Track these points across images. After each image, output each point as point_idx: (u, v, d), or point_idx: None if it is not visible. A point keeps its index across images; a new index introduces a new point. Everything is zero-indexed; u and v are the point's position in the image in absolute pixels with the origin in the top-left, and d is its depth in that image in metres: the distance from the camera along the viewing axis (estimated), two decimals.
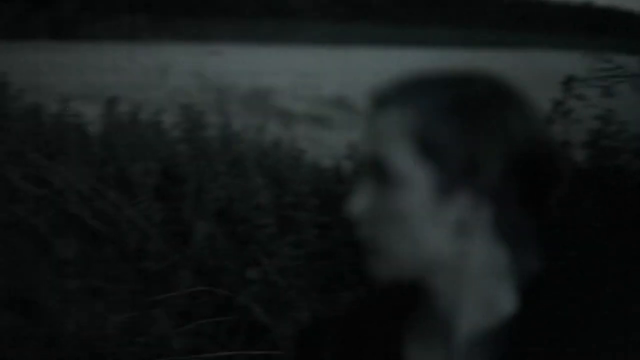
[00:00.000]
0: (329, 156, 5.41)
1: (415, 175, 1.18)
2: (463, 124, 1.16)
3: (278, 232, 4.18)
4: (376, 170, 1.20)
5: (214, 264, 4.28)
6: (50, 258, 4.42)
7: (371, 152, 1.21)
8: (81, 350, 4.01)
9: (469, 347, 1.24)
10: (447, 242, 1.19)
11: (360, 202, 1.22)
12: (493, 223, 1.20)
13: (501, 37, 56.45)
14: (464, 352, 1.24)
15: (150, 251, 4.29)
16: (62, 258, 4.40)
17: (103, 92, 6.02)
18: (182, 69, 16.25)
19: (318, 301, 3.95)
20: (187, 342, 3.80)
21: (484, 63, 1.43)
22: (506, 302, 1.23)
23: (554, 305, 1.29)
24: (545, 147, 1.20)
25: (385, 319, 1.34)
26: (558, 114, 3.64)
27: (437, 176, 1.17)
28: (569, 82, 3.70)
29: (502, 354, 1.22)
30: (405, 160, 1.18)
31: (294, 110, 15.44)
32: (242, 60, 28.09)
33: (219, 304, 4.09)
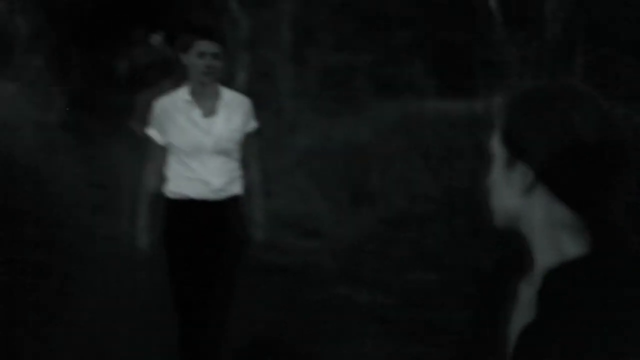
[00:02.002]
0: None
1: (498, 153, 1.73)
2: (520, 116, 1.67)
3: None
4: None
5: None
6: None
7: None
8: None
9: (544, 280, 1.68)
10: (517, 199, 1.70)
11: (489, 179, 1.78)
12: (553, 188, 1.65)
13: None
14: (541, 283, 1.69)
15: None
16: None
17: None
18: None
19: None
20: None
21: None
22: (570, 247, 1.67)
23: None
24: (602, 139, 1.61)
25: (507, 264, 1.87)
26: None
27: (506, 154, 1.70)
28: None
29: (573, 292, 1.62)
30: (495, 144, 1.74)
31: None
32: None
33: None
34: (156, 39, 15.13)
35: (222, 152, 4.94)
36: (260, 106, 14.99)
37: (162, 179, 5.06)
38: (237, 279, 5.05)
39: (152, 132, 5.00)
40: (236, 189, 5.03)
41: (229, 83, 17.70)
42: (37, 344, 6.20)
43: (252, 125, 5.10)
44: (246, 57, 18.51)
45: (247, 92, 16.61)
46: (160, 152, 5.00)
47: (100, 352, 6.11)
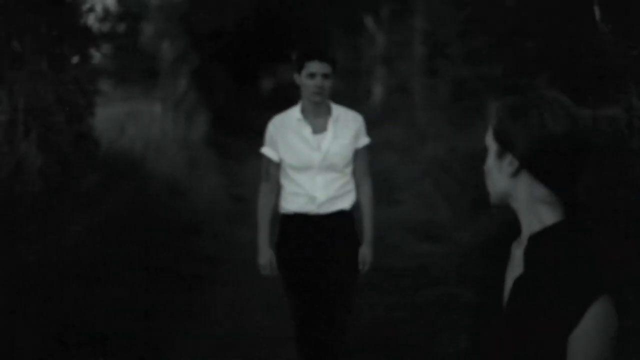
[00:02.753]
0: None
1: (490, 147, 2.23)
2: (506, 118, 2.17)
3: None
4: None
5: None
6: None
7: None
8: None
9: (529, 242, 2.19)
10: (507, 182, 2.20)
11: (485, 167, 2.29)
12: (533, 173, 2.16)
13: None
14: (526, 245, 2.19)
15: None
16: None
17: None
18: None
19: None
20: None
21: None
22: (548, 217, 2.17)
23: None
24: (568, 136, 2.10)
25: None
26: None
27: (497, 147, 2.20)
28: None
29: (552, 251, 2.14)
30: (489, 139, 2.24)
31: None
32: None
33: None
34: None
35: (331, 168, 5.05)
36: (394, 118, 15.42)
37: (277, 195, 5.21)
38: (353, 293, 5.14)
39: (267, 150, 5.14)
40: (344, 204, 5.11)
41: (366, 97, 18.23)
42: (177, 337, 6.79)
43: (364, 141, 5.17)
44: (382, 71, 19.10)
45: (383, 105, 17.07)
46: (275, 170, 5.15)
47: (232, 345, 6.69)
